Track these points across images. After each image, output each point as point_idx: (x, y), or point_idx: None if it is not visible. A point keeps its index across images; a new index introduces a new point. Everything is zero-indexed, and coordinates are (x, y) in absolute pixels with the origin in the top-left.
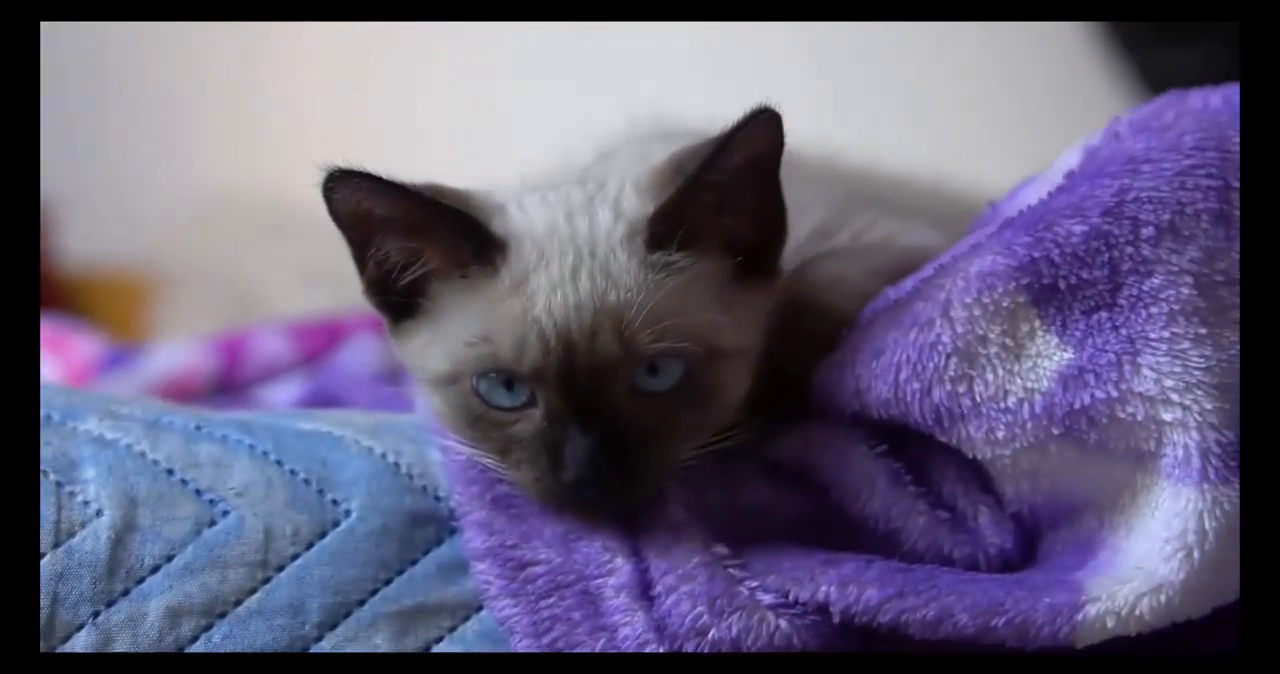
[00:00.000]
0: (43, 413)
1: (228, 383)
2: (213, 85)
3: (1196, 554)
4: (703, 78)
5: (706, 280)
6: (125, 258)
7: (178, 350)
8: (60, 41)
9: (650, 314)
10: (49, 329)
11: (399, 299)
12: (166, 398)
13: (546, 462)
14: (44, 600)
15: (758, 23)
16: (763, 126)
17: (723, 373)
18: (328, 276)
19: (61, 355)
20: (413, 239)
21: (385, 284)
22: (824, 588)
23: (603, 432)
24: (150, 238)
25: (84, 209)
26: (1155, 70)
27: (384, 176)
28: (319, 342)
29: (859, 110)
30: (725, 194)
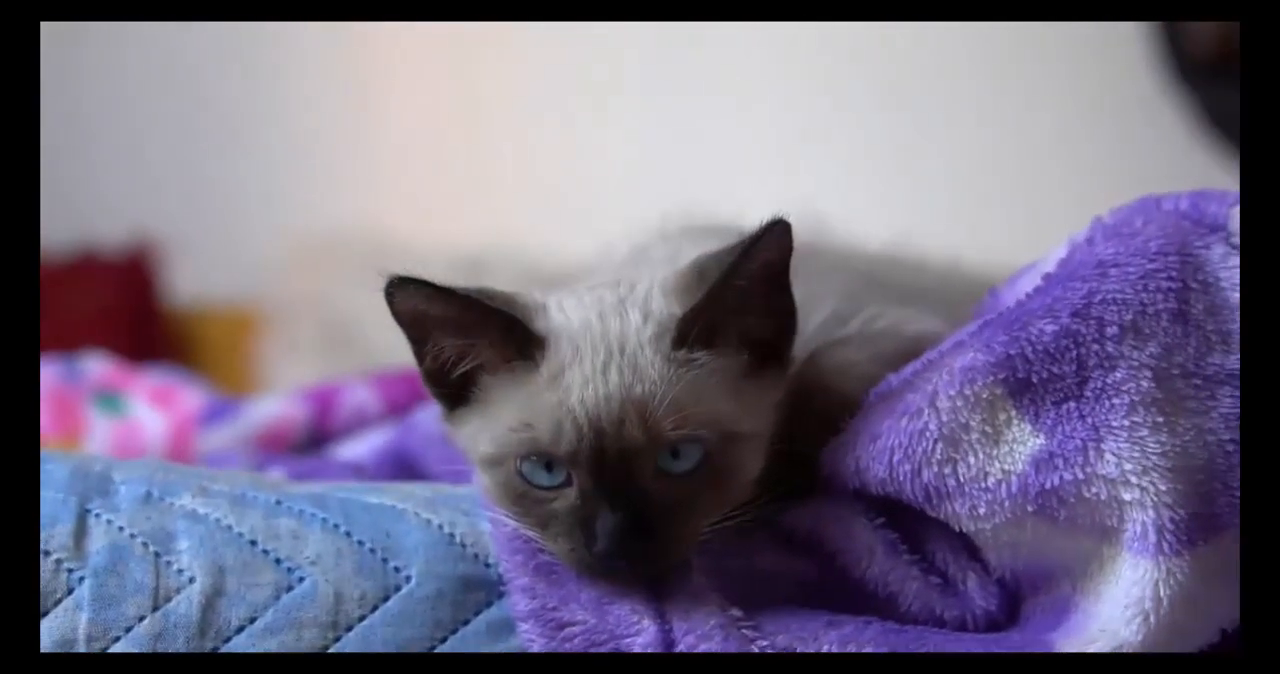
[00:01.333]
0: (144, 490)
1: (319, 432)
2: (316, 127)
3: (1153, 618)
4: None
5: (723, 373)
6: (232, 295)
7: (274, 401)
8: (168, 85)
9: (672, 404)
10: (158, 381)
11: (453, 390)
12: (264, 446)
13: (580, 535)
14: None
15: (798, 107)
16: (777, 236)
17: (738, 455)
18: None
19: (169, 409)
20: (463, 336)
21: (441, 375)
22: (826, 646)
23: (630, 508)
24: (256, 276)
25: (193, 249)
26: (1216, 109)
27: (438, 283)
28: (403, 393)
29: (909, 180)
30: (744, 297)
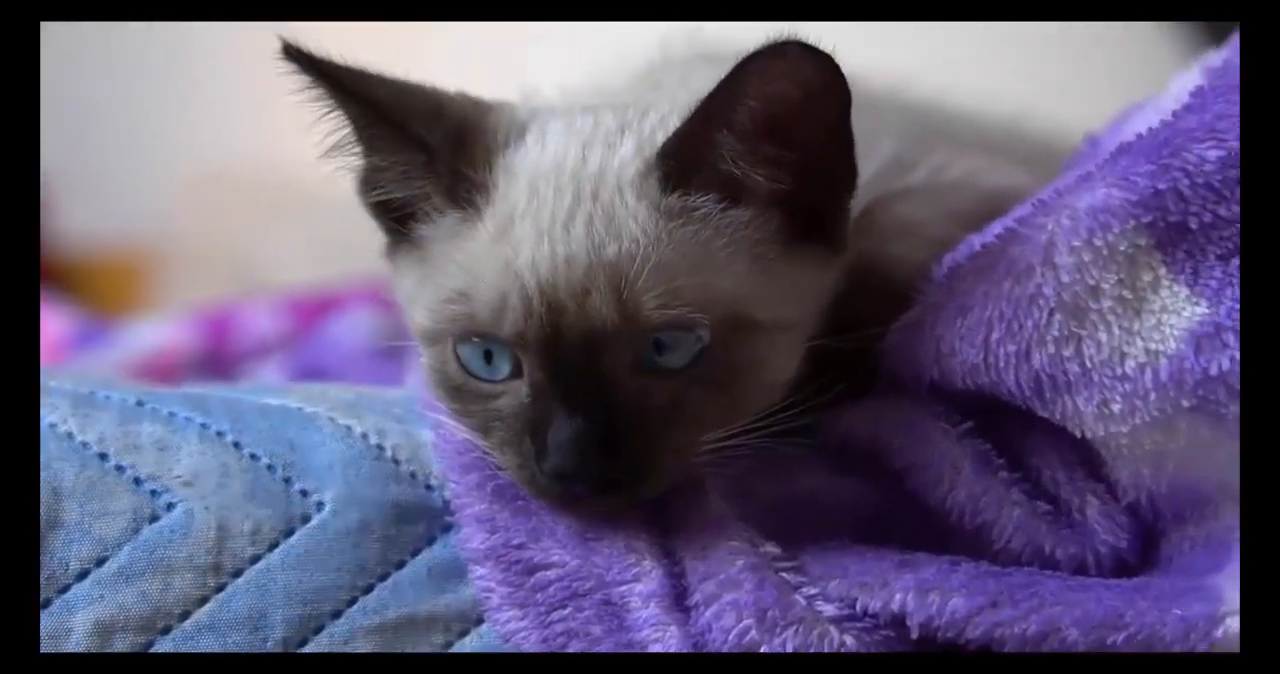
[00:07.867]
0: None
1: (214, 361)
2: (212, 59)
3: None
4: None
5: (738, 234)
6: (124, 234)
7: (159, 327)
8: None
9: (658, 271)
10: None
11: (391, 217)
12: (146, 378)
13: (529, 446)
14: None
15: None
16: (786, 62)
17: (755, 349)
18: (331, 251)
19: None
20: (378, 155)
21: (376, 195)
22: (899, 596)
23: (594, 414)
24: (149, 213)
25: (82, 185)
26: None
27: (331, 68)
28: (312, 315)
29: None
30: (748, 138)
